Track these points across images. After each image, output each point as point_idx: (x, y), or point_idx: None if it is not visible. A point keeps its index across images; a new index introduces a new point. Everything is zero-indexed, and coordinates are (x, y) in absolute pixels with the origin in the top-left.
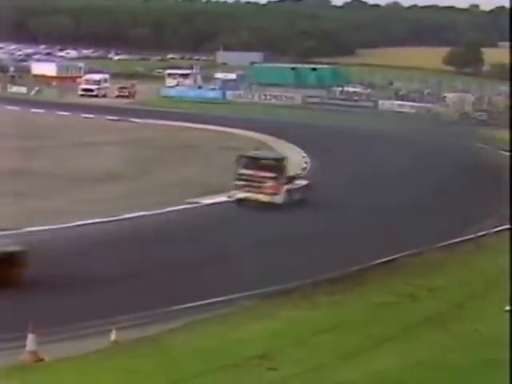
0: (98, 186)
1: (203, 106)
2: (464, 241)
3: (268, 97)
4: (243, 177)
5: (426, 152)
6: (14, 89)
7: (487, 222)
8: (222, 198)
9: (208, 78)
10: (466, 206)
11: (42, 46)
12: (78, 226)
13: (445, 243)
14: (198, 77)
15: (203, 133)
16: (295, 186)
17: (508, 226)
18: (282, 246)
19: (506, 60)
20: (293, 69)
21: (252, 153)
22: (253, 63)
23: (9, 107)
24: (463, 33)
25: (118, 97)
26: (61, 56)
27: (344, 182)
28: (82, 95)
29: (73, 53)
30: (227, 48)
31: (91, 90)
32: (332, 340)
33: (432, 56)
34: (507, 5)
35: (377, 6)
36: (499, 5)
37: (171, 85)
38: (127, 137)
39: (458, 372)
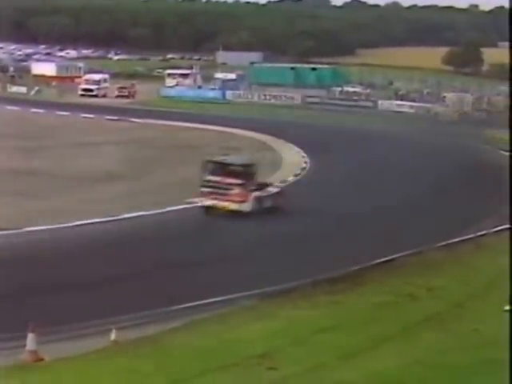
0: (98, 185)
1: (203, 106)
2: (463, 241)
3: (268, 97)
4: (210, 183)
5: (426, 152)
6: (14, 89)
7: (487, 222)
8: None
9: (208, 78)
10: (463, 207)
11: (42, 46)
12: (76, 225)
13: (444, 243)
14: (198, 77)
15: (203, 133)
16: (266, 193)
17: (508, 226)
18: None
19: (506, 60)
20: (292, 69)
21: (219, 158)
22: (252, 63)
23: (9, 107)
24: (463, 33)
25: (117, 97)
26: (60, 56)
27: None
28: (82, 95)
29: (72, 53)
30: (227, 48)
31: (91, 90)
32: (332, 339)
33: (431, 56)
34: (507, 5)
35: (376, 5)
36: (499, 5)
37: (171, 85)
38: (127, 137)
39: (457, 371)
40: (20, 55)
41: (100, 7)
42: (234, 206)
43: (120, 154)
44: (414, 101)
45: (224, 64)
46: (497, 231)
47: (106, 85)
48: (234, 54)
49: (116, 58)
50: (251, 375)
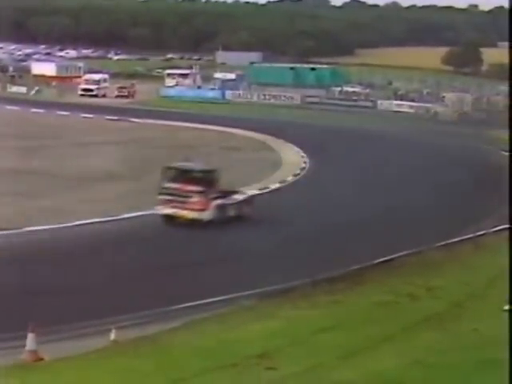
0: (98, 185)
1: (202, 106)
2: (463, 241)
3: (267, 97)
4: (168, 191)
5: (426, 153)
6: (14, 89)
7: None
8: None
9: (207, 78)
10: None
11: (42, 46)
12: (76, 225)
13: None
14: (198, 77)
15: (203, 133)
16: (231, 201)
17: (507, 226)
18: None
19: (505, 60)
20: (292, 69)
21: (178, 164)
22: (252, 63)
23: (8, 107)
24: (462, 33)
25: (117, 97)
26: (60, 56)
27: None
28: (82, 95)
29: (72, 53)
30: (226, 48)
31: (91, 90)
32: (331, 339)
33: (431, 56)
34: (506, 5)
35: (376, 5)
36: (498, 5)
37: (170, 85)
38: (127, 137)
39: (457, 371)
40: (20, 55)
41: (100, 7)
42: (193, 215)
43: (120, 154)
44: (413, 101)
45: (223, 64)
46: (496, 231)
47: (106, 85)
48: (233, 53)
49: (116, 57)
50: (250, 375)
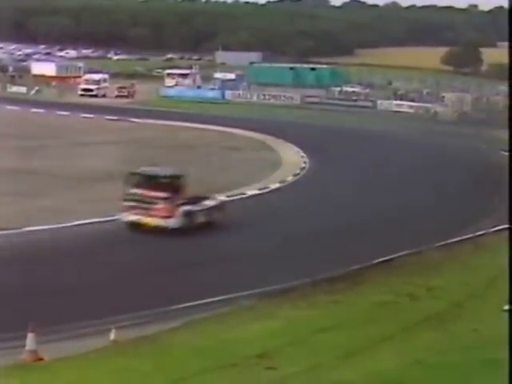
0: (98, 185)
1: (202, 106)
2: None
3: (267, 97)
4: (133, 197)
5: (425, 153)
6: (14, 89)
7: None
8: (220, 198)
9: (207, 78)
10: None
11: (42, 46)
12: (75, 225)
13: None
14: (197, 77)
15: (203, 133)
16: (200, 208)
17: (507, 226)
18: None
19: (505, 60)
20: (292, 69)
21: (143, 169)
22: (252, 63)
23: (8, 107)
24: (462, 33)
25: (117, 97)
26: (60, 56)
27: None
28: (82, 95)
29: (72, 53)
30: (226, 48)
31: (91, 90)
32: (331, 339)
33: (431, 56)
34: (506, 5)
35: (375, 6)
36: (498, 5)
37: (170, 85)
38: (127, 137)
39: (456, 371)
40: (20, 55)
41: (100, 7)
42: (157, 222)
43: (120, 154)
44: (413, 101)
45: (223, 64)
46: (496, 231)
47: (106, 85)
48: (233, 53)
49: (116, 57)
50: (250, 375)
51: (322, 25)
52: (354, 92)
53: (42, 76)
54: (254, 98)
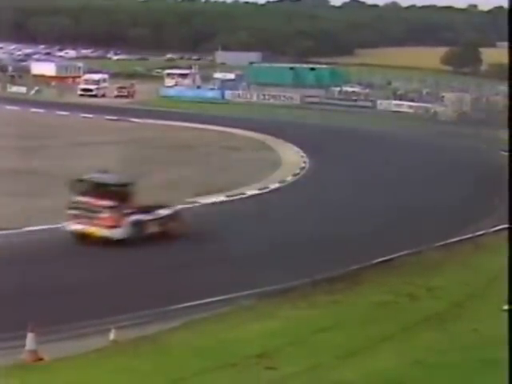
0: None
1: (202, 106)
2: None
3: (267, 97)
4: (78, 205)
5: (425, 153)
6: (14, 89)
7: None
8: (221, 198)
9: (207, 78)
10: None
11: (42, 46)
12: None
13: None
14: (197, 77)
15: (202, 133)
16: (152, 217)
17: (506, 226)
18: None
19: (505, 60)
20: (291, 69)
21: (89, 176)
22: (251, 63)
23: (8, 107)
24: (461, 33)
25: (117, 97)
26: (60, 56)
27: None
28: (82, 95)
29: (72, 53)
30: (226, 48)
31: (90, 90)
32: (331, 339)
33: (430, 56)
34: (506, 5)
35: (375, 5)
36: (497, 5)
37: (170, 85)
38: (126, 137)
39: (456, 371)
40: (19, 55)
41: (99, 7)
42: (102, 232)
43: (120, 154)
44: (412, 101)
45: (223, 64)
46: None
47: (106, 85)
48: (232, 53)
49: (115, 57)
50: (250, 375)
51: (322, 25)
52: (353, 92)
53: (42, 76)
54: (254, 98)
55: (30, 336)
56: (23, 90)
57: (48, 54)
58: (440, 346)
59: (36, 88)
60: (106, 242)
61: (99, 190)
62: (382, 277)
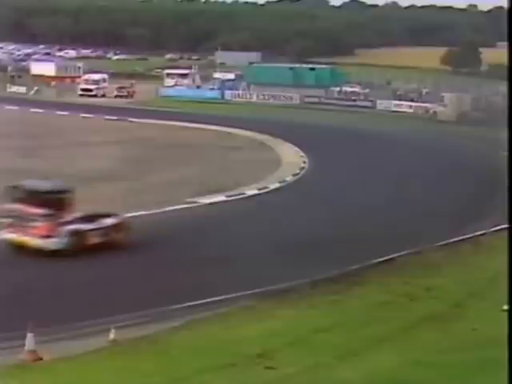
0: (98, 185)
1: (202, 106)
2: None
3: (266, 96)
4: (11, 213)
5: (425, 153)
6: (14, 88)
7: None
8: (221, 198)
9: (206, 78)
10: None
11: (41, 46)
12: None
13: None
14: (197, 76)
15: (202, 132)
16: (95, 226)
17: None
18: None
19: (504, 60)
20: (291, 69)
21: (24, 183)
22: (251, 63)
23: (8, 107)
24: (461, 33)
25: (116, 96)
26: (60, 56)
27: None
28: (81, 95)
29: (72, 53)
30: (226, 48)
31: (90, 90)
32: (330, 339)
33: (430, 56)
34: (505, 5)
35: (375, 5)
36: (497, 5)
37: (170, 84)
38: (126, 136)
39: (456, 371)
40: (19, 55)
41: (99, 7)
42: (36, 242)
43: (120, 154)
44: (412, 101)
45: (223, 64)
46: (496, 230)
47: (105, 84)
48: (232, 53)
49: (115, 57)
50: (249, 375)
51: (322, 25)
52: (353, 92)
53: (42, 76)
54: (254, 98)
55: (29, 336)
56: (23, 89)
57: (48, 53)
58: (440, 345)
59: (36, 88)
60: (39, 252)
61: (34, 197)
62: (381, 277)
